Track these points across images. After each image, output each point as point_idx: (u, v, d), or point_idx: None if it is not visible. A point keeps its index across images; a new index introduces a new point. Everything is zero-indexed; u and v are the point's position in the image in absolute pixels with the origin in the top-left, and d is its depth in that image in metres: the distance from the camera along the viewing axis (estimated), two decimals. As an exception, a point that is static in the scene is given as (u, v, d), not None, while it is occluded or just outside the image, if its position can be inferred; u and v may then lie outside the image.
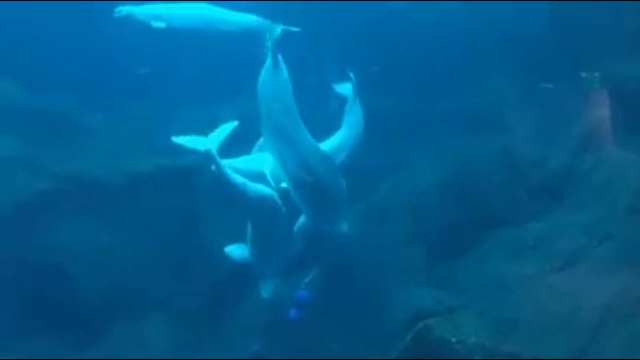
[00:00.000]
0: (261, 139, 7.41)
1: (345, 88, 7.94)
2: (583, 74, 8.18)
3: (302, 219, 7.40)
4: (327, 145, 7.48)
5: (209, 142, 7.05)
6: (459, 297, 7.08)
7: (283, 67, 7.02)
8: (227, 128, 7.19)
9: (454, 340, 6.54)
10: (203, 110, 8.52)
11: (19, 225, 7.82)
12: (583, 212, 7.35)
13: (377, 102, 8.19)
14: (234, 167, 7.27)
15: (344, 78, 7.87)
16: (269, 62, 7.02)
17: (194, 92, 8.47)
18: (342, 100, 7.96)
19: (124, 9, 8.04)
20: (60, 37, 8.46)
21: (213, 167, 7.08)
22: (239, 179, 7.13)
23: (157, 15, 8.04)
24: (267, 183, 7.28)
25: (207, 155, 6.98)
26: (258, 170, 7.35)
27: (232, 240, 7.65)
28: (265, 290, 7.48)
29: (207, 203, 7.99)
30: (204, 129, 7.60)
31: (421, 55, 8.61)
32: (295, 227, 7.41)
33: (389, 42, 8.69)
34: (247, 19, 8.18)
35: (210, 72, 8.29)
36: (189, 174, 8.00)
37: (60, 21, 8.40)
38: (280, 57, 6.96)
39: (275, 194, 7.26)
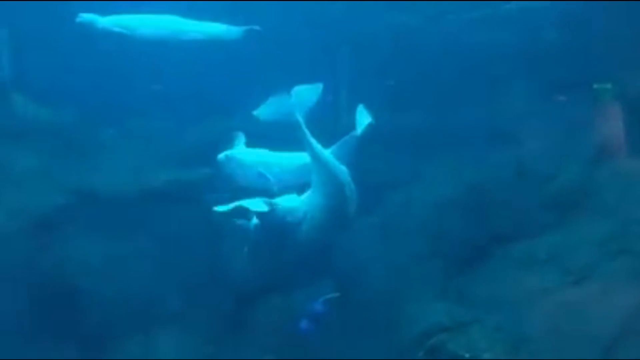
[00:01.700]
0: None
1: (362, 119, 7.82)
2: (596, 86, 8.08)
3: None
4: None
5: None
6: (473, 312, 6.99)
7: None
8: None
9: (467, 355, 6.48)
10: (213, 125, 8.51)
11: (33, 239, 7.80)
12: (597, 225, 7.23)
13: (391, 115, 8.14)
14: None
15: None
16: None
17: (205, 107, 8.44)
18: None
19: (87, 16, 8.07)
20: (72, 53, 8.45)
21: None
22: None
23: (119, 24, 8.09)
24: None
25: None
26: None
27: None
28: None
29: (220, 216, 7.94)
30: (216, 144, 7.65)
31: (434, 69, 8.53)
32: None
33: (403, 55, 8.64)
34: (212, 27, 8.22)
35: (220, 87, 8.25)
36: (200, 187, 7.97)
37: (72, 37, 8.40)
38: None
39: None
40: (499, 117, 8.35)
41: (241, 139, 7.82)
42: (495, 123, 8.32)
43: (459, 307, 7.12)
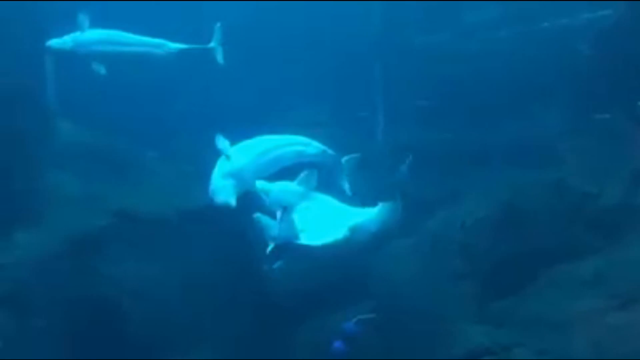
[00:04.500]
0: None
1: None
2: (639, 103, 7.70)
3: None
4: None
5: None
6: (515, 335, 6.64)
7: None
8: None
9: (511, 379, 6.16)
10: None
11: (76, 260, 7.68)
12: (640, 247, 6.86)
13: (428, 136, 7.91)
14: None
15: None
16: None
17: (243, 129, 8.30)
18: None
19: (55, 42, 8.16)
20: (114, 79, 8.44)
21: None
22: None
23: (80, 43, 8.15)
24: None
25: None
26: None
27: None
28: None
29: (255, 237, 7.75)
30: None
31: (472, 88, 8.29)
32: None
33: (440, 75, 8.42)
34: (166, 44, 8.29)
35: (257, 109, 8.14)
36: (237, 210, 7.80)
37: (113, 63, 8.38)
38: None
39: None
40: (539, 136, 8.04)
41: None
42: (535, 142, 8.01)
43: (501, 329, 6.78)
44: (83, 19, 8.05)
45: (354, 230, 6.67)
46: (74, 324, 7.54)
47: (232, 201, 6.74)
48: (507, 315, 6.95)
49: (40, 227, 7.78)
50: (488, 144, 8.21)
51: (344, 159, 7.19)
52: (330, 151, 7.18)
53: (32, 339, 7.36)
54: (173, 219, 7.90)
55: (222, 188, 6.77)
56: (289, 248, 6.73)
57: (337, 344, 7.02)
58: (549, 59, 8.15)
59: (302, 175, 6.99)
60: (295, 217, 6.90)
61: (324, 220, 6.85)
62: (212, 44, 8.24)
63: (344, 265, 7.25)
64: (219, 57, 8.17)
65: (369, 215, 6.79)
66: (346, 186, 7.19)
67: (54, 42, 8.15)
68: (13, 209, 7.71)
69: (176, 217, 7.91)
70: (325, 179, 7.08)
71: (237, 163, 6.86)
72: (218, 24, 8.18)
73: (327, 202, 7.02)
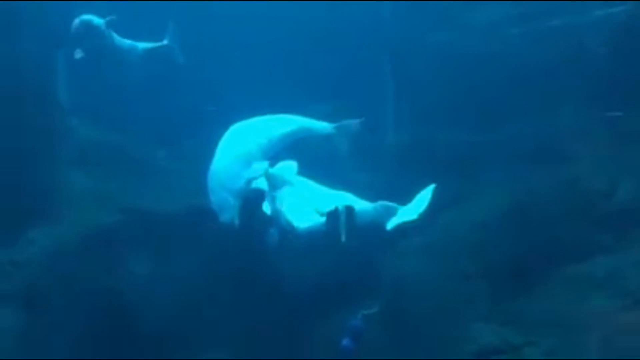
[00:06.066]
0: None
1: None
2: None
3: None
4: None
5: None
6: (525, 335, 6.56)
7: None
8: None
9: (521, 379, 6.08)
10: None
11: (88, 257, 7.67)
12: (655, 245, 6.75)
13: (438, 135, 7.83)
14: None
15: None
16: None
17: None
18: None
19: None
20: (126, 77, 8.47)
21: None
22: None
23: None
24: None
25: None
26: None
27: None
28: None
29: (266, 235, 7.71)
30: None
31: (483, 86, 8.20)
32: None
33: (449, 74, 8.35)
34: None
35: (264, 107, 8.10)
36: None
37: (125, 61, 8.41)
38: None
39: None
40: (551, 132, 7.94)
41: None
42: (547, 139, 7.90)
43: (511, 329, 6.70)
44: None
45: None
46: (86, 321, 7.52)
47: (237, 220, 6.83)
48: (517, 314, 6.86)
49: (52, 224, 7.78)
50: (499, 142, 8.11)
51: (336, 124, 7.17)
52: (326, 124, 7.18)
53: (44, 336, 7.34)
54: (184, 216, 7.86)
55: (228, 206, 6.86)
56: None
57: (345, 342, 6.96)
58: (560, 56, 8.05)
59: (282, 163, 6.97)
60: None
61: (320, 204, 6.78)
62: (165, 41, 8.34)
63: (348, 257, 7.17)
64: (175, 55, 8.29)
65: (364, 207, 6.71)
66: (344, 152, 7.18)
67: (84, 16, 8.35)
68: (25, 206, 7.73)
69: (187, 214, 7.86)
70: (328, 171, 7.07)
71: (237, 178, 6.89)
72: (171, 22, 8.30)
73: (317, 189, 6.97)
